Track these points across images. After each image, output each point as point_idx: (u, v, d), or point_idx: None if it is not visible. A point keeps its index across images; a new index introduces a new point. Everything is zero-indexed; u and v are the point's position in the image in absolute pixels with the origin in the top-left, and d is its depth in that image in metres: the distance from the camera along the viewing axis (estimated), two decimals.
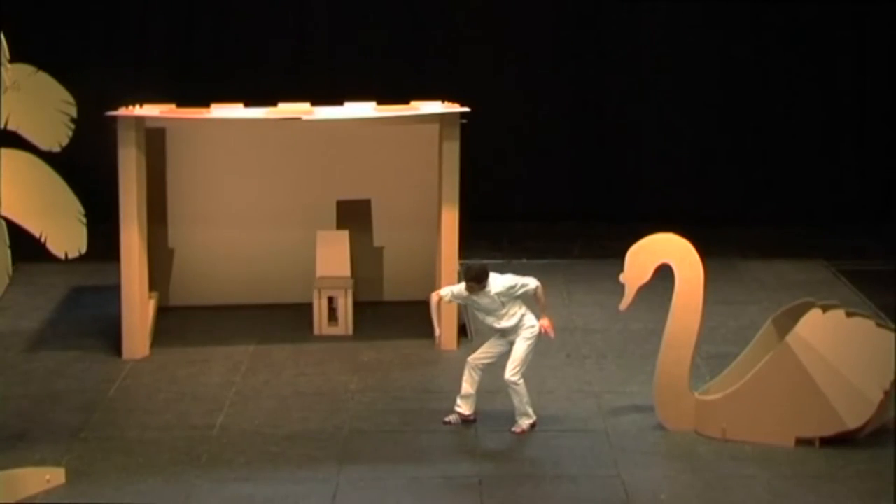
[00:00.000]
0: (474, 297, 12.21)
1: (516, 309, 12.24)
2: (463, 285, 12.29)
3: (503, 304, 12.17)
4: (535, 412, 12.43)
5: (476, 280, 12.10)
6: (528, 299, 12.34)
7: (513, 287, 12.17)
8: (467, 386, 12.41)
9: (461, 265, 14.61)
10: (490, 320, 12.29)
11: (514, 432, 12.30)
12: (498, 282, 12.19)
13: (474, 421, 12.46)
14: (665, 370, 12.38)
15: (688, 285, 12.30)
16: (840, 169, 19.72)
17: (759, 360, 12.20)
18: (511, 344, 12.29)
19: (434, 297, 12.48)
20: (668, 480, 11.53)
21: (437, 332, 12.62)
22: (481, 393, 12.53)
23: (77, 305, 15.93)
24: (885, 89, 19.44)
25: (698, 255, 12.36)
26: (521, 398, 12.28)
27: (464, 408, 12.43)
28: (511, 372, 12.21)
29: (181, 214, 15.68)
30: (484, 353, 12.43)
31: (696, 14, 19.36)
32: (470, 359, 12.43)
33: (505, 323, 12.23)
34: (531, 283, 12.24)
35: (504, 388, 12.43)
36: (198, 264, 15.74)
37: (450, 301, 12.55)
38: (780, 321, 12.52)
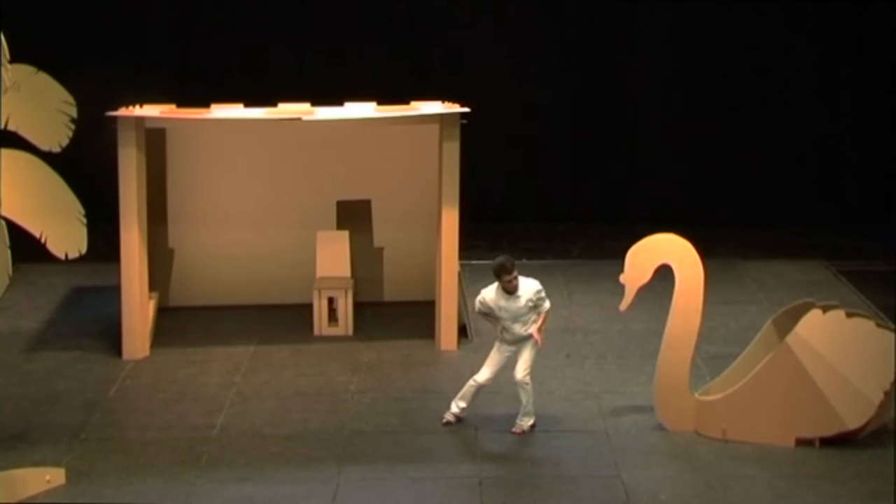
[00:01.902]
0: (502, 304, 12.12)
1: (535, 315, 12.25)
2: (494, 289, 12.15)
3: (530, 310, 12.16)
4: (535, 412, 12.44)
5: (512, 268, 11.97)
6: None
7: (539, 291, 12.17)
8: (468, 397, 12.42)
9: (461, 266, 14.63)
10: (516, 327, 12.19)
11: (513, 433, 12.30)
12: (527, 286, 12.16)
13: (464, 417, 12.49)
14: (665, 371, 12.37)
15: (688, 286, 12.29)
16: (840, 169, 19.72)
17: (760, 361, 12.20)
18: (514, 352, 12.28)
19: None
20: (668, 481, 11.53)
21: (498, 328, 12.51)
22: (482, 394, 12.52)
23: (77, 306, 15.92)
24: (885, 90, 19.43)
25: (698, 256, 12.36)
26: (530, 397, 12.29)
27: (460, 411, 12.44)
28: (524, 372, 12.23)
29: (181, 214, 15.68)
30: (491, 373, 12.34)
31: (696, 15, 19.35)
32: (483, 381, 12.30)
33: (529, 329, 12.22)
34: (547, 303, 12.25)
35: (504, 389, 12.45)
36: (198, 265, 15.74)
37: (481, 312, 12.35)
38: (780, 321, 12.52)
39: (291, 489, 11.25)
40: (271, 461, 11.79)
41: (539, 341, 12.23)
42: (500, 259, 12.17)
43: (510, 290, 12.08)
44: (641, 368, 13.68)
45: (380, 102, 14.76)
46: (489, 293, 12.20)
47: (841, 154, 19.72)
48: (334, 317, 14.96)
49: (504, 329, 12.23)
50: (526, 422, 12.33)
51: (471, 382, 12.39)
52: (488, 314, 12.29)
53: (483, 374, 12.34)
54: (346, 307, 14.95)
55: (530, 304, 12.14)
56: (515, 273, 12.04)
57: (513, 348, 12.30)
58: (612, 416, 12.73)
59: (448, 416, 12.47)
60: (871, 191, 19.60)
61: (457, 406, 12.45)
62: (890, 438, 12.06)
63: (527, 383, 12.25)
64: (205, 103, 14.71)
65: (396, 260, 15.84)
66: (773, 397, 12.01)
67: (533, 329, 12.20)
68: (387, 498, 11.14)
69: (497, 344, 12.38)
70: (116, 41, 19.07)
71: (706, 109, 19.58)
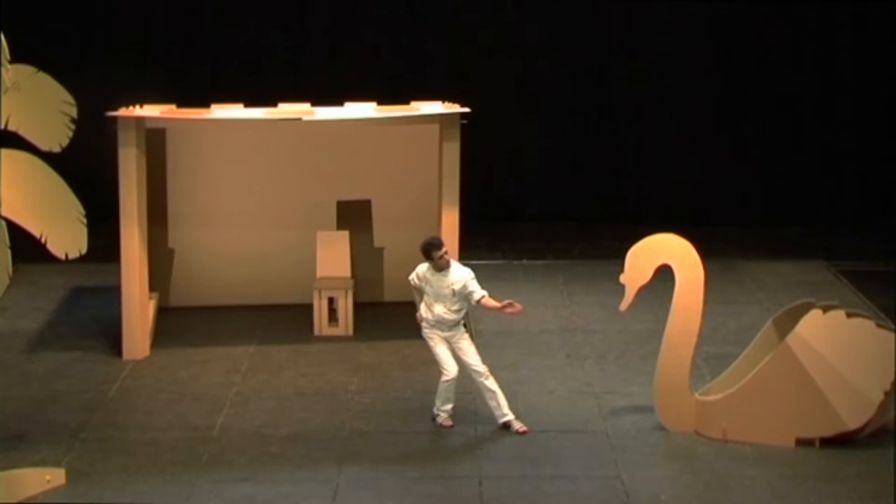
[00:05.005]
0: (430, 278, 12.28)
1: (463, 305, 12.34)
2: (426, 265, 12.33)
3: (454, 293, 12.24)
4: (535, 412, 12.45)
5: (440, 245, 12.24)
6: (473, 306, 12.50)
7: (467, 280, 12.25)
8: (452, 396, 12.50)
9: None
10: (438, 308, 12.29)
11: (517, 431, 12.30)
12: (457, 270, 12.31)
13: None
14: (665, 371, 12.37)
15: (688, 286, 12.29)
16: (840, 169, 19.72)
17: (760, 361, 12.20)
18: (447, 339, 12.35)
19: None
20: (668, 481, 11.53)
21: (420, 312, 12.58)
22: (481, 394, 12.53)
23: (77, 306, 15.92)
24: (886, 90, 19.43)
25: (698, 256, 12.36)
26: (495, 383, 12.40)
27: (450, 411, 12.49)
28: (480, 364, 12.35)
29: (181, 215, 15.69)
30: (452, 363, 12.38)
31: (697, 14, 19.36)
32: (453, 374, 12.34)
33: (454, 315, 12.29)
34: (478, 292, 12.27)
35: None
36: (198, 265, 15.74)
37: (414, 284, 12.51)
38: (780, 322, 12.52)
39: (291, 489, 11.25)
40: (271, 461, 11.79)
41: (512, 303, 12.26)
42: (428, 238, 12.50)
43: (439, 267, 12.25)
44: (641, 368, 13.68)
45: (380, 102, 14.77)
46: (423, 266, 12.41)
47: (841, 154, 19.72)
48: (334, 317, 14.97)
49: (427, 308, 12.33)
50: (509, 413, 12.32)
51: (444, 383, 12.41)
52: (419, 289, 12.46)
53: (449, 370, 12.37)
54: (346, 307, 14.95)
55: (455, 286, 12.24)
56: (445, 250, 12.26)
57: (444, 334, 12.35)
58: (612, 416, 12.73)
59: (445, 422, 12.47)
60: (871, 191, 19.61)
61: (445, 411, 12.47)
62: (890, 438, 12.05)
63: (487, 371, 12.35)
64: (205, 103, 14.72)
65: (396, 260, 15.81)
66: (773, 397, 12.01)
67: (509, 310, 12.22)
68: (387, 498, 11.13)
69: (428, 337, 12.42)
70: (116, 41, 19.09)
71: (706, 110, 19.59)
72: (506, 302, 12.28)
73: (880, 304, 15.40)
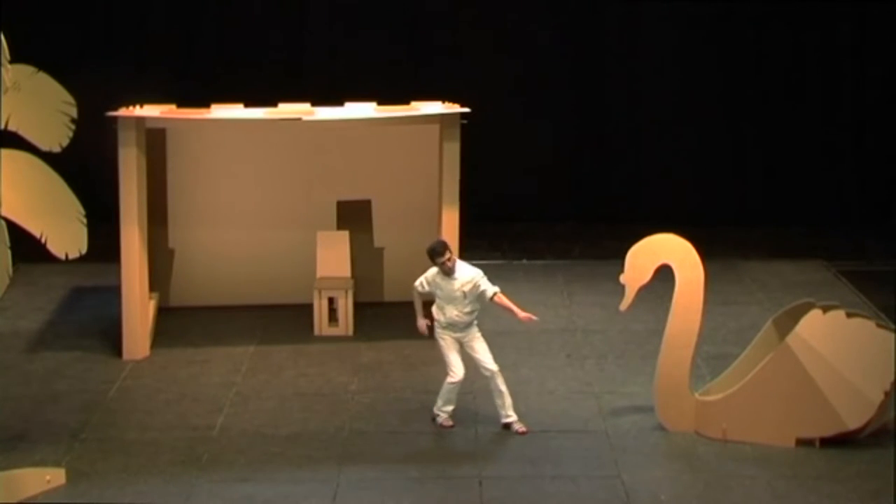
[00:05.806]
0: (439, 282, 12.26)
1: (476, 306, 12.32)
2: (434, 270, 12.31)
3: (465, 295, 12.22)
4: (535, 412, 12.44)
5: (444, 250, 12.21)
6: (487, 305, 12.48)
7: (476, 280, 12.25)
8: (454, 399, 12.49)
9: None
10: (450, 311, 12.28)
11: (517, 432, 12.30)
12: (464, 271, 12.30)
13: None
14: (665, 371, 12.37)
15: (688, 286, 12.29)
16: (840, 169, 19.72)
17: (760, 361, 12.20)
18: (458, 340, 12.35)
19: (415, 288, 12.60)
20: (668, 481, 11.53)
21: (420, 322, 12.59)
22: (482, 393, 12.56)
23: (77, 306, 15.92)
24: (886, 90, 19.43)
25: (698, 256, 12.37)
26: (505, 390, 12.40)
27: (450, 413, 12.50)
28: (492, 363, 12.34)
29: (181, 215, 15.69)
30: (461, 366, 12.38)
31: (696, 16, 19.36)
32: (460, 377, 12.34)
33: (467, 317, 12.27)
34: (489, 289, 12.27)
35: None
36: (198, 265, 15.75)
37: (422, 291, 12.49)
38: (780, 322, 12.52)
39: (291, 489, 11.25)
40: (271, 461, 11.79)
41: (529, 316, 12.33)
42: (432, 243, 12.45)
43: (447, 272, 12.24)
44: (641, 368, 13.68)
45: (380, 102, 14.77)
46: (431, 272, 12.38)
47: (841, 154, 19.72)
48: (334, 317, 14.97)
49: (439, 310, 12.31)
50: (512, 414, 12.33)
51: (449, 384, 12.41)
52: (425, 296, 12.44)
53: (456, 372, 12.37)
54: (346, 307, 14.95)
55: (465, 288, 12.24)
56: (449, 254, 12.25)
57: (457, 335, 12.35)
58: (612, 416, 12.73)
59: (445, 422, 12.47)
60: (871, 191, 19.61)
61: (445, 411, 12.48)
62: (890, 438, 12.06)
63: (498, 371, 12.34)
64: (205, 103, 14.72)
65: (396, 260, 15.84)
66: (773, 397, 12.01)
67: (522, 315, 12.27)
68: (387, 498, 11.13)
69: (440, 337, 12.40)
70: (116, 41, 19.09)
71: (706, 109, 19.59)
72: (524, 315, 12.29)
73: (880, 304, 15.41)
